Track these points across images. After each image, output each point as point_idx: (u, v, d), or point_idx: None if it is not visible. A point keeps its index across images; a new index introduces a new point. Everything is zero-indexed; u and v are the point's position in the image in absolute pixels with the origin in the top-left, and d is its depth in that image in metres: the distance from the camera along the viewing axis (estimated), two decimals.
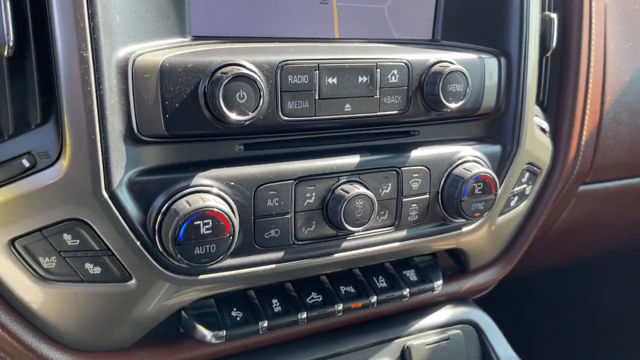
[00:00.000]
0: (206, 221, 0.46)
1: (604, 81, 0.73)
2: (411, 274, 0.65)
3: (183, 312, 0.55)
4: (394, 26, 0.59)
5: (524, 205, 0.70)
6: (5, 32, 0.42)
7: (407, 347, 0.65)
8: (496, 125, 0.64)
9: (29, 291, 0.48)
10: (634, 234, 1.01)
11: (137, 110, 0.45)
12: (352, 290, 0.61)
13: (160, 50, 0.46)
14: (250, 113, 0.46)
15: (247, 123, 0.47)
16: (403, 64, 0.54)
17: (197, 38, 0.50)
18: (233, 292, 0.58)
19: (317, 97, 0.51)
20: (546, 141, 0.69)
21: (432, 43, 0.61)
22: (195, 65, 0.45)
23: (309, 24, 0.55)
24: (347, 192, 0.53)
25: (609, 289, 1.34)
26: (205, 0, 0.50)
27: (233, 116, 0.45)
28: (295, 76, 0.50)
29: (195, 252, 0.46)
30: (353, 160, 0.55)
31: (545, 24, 0.65)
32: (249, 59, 0.47)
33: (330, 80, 0.51)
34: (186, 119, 0.46)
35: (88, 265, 0.47)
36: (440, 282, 0.65)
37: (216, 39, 0.51)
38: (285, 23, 0.54)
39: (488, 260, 0.72)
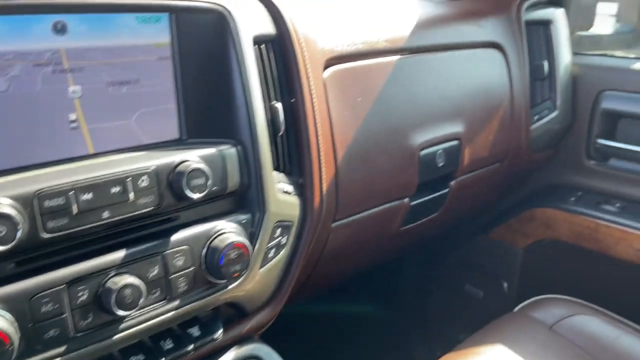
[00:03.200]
0: None
1: (334, 142, 0.93)
2: (194, 330, 0.78)
3: None
4: (144, 134, 0.71)
5: (283, 252, 0.87)
6: None
7: None
8: (244, 199, 0.79)
9: None
10: (387, 247, 1.26)
11: None
12: (142, 358, 0.72)
13: None
14: (7, 245, 0.54)
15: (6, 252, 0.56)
16: (151, 170, 0.67)
17: None
18: None
19: (75, 213, 0.61)
20: (292, 199, 0.86)
21: (180, 143, 0.74)
22: None
23: (63, 147, 0.65)
24: (116, 284, 0.64)
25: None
26: None
27: None
28: (52, 200, 0.59)
29: None
30: (119, 255, 0.66)
31: (273, 112, 0.82)
32: (4, 194, 0.56)
33: (86, 196, 0.62)
34: None
35: None
36: (220, 331, 0.78)
37: None
38: (39, 150, 0.63)
39: (262, 302, 0.88)
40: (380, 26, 1.04)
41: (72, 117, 0.65)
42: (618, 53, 1.69)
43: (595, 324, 1.13)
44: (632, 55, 1.62)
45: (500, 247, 1.58)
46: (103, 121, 0.67)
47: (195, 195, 0.69)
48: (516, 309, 1.28)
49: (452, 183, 1.21)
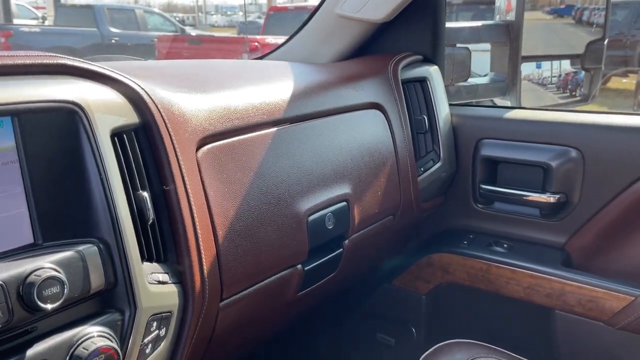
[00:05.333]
0: None
1: (213, 222, 0.91)
2: None
3: None
4: None
5: (163, 345, 0.83)
6: None
7: None
8: (112, 297, 0.75)
9: None
10: (286, 314, 1.25)
11: None
12: None
13: None
14: None
15: None
16: None
17: None
18: None
19: None
20: (169, 289, 0.83)
21: (34, 248, 0.70)
22: None
23: None
24: None
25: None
26: None
27: None
28: None
29: None
30: None
31: (139, 201, 0.79)
32: None
33: None
34: None
35: None
36: None
37: None
38: None
39: None
40: (257, 99, 1.05)
41: None
42: (496, 100, 1.82)
43: None
44: (507, 103, 1.75)
45: (405, 294, 1.61)
46: None
47: (50, 306, 0.65)
48: (421, 357, 1.30)
49: (346, 242, 1.22)
